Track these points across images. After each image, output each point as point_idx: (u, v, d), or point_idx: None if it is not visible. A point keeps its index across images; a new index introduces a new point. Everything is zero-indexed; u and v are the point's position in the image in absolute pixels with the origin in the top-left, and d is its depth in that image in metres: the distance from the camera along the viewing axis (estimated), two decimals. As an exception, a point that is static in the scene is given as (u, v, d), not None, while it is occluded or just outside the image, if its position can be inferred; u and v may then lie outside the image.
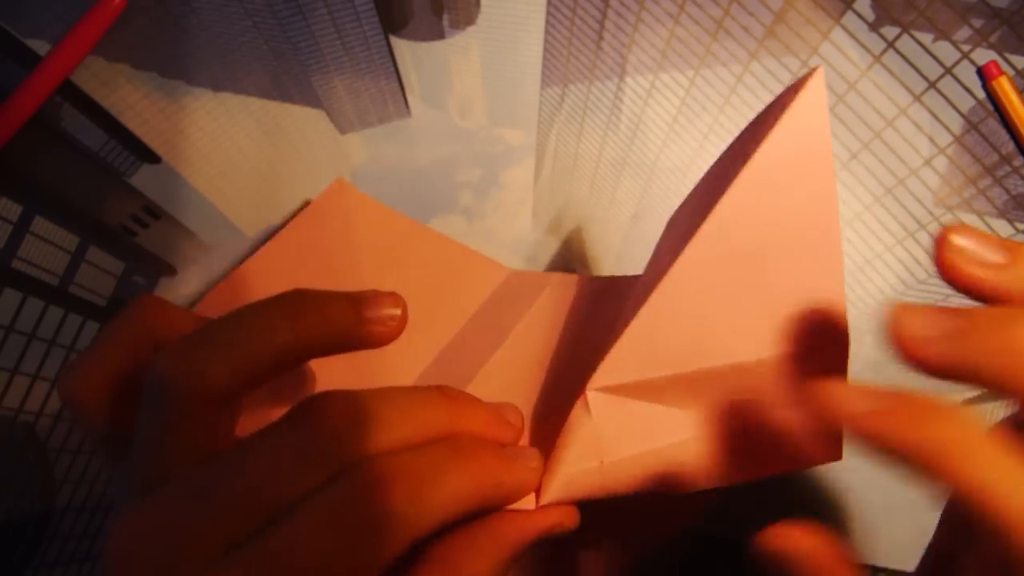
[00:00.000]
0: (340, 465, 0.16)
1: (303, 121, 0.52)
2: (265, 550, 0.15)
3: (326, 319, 0.18)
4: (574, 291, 0.24)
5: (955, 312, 0.15)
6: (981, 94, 0.42)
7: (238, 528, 0.15)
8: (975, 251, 0.15)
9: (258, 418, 0.18)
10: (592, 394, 0.18)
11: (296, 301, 0.18)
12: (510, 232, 0.51)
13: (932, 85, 0.42)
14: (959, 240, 0.15)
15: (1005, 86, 0.41)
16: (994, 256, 0.15)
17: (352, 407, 0.16)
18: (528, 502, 0.18)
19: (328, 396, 0.17)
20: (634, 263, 0.51)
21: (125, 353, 0.18)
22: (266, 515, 0.15)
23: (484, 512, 0.18)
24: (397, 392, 0.18)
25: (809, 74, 0.19)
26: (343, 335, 0.18)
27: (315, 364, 0.20)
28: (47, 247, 0.51)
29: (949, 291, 0.49)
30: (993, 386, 0.14)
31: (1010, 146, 0.42)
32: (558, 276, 0.27)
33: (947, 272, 0.15)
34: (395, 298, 0.19)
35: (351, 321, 0.18)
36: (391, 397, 0.17)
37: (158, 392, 0.16)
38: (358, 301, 0.18)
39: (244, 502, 0.15)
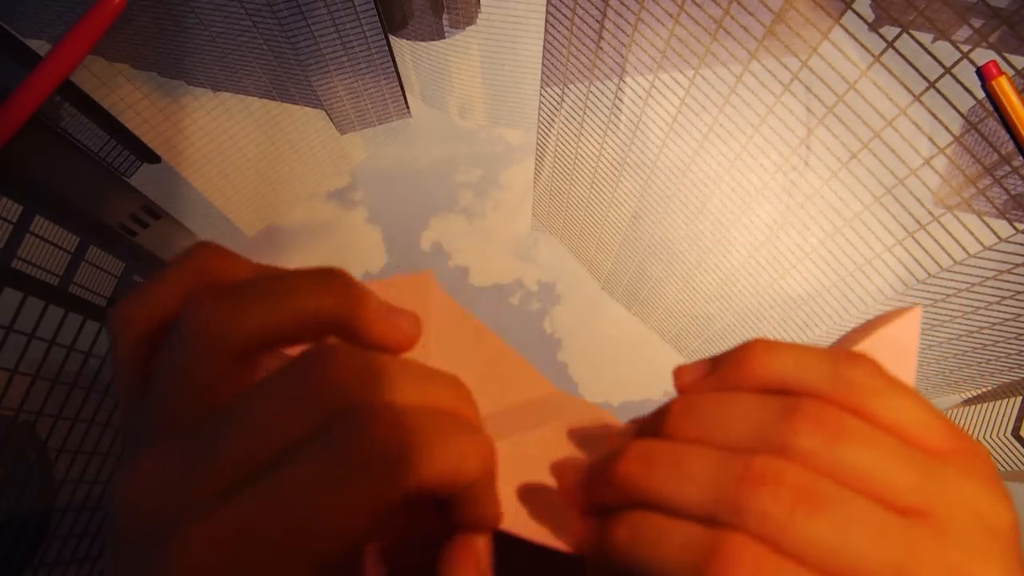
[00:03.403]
0: (340, 410, 0.16)
1: (303, 121, 0.52)
2: (257, 493, 0.15)
3: (358, 303, 0.19)
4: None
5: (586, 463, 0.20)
6: (981, 94, 0.42)
7: (234, 474, 0.15)
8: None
9: None
10: None
11: (339, 276, 0.19)
12: (510, 232, 0.51)
13: (932, 85, 0.42)
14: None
15: (1004, 86, 0.41)
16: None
17: (359, 360, 0.17)
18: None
19: (334, 347, 0.17)
20: (633, 263, 0.51)
21: (175, 295, 0.18)
22: (263, 462, 0.15)
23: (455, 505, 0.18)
24: (411, 362, 0.18)
25: (907, 309, 0.21)
26: (367, 323, 0.19)
27: None
28: (47, 247, 0.51)
29: (949, 291, 0.49)
30: (625, 497, 0.18)
31: (1009, 146, 0.42)
32: (602, 415, 0.28)
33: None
34: (416, 319, 0.20)
35: (379, 316, 0.19)
36: (404, 363, 0.18)
37: (190, 329, 0.17)
38: (387, 304, 0.20)
39: (240, 449, 0.15)
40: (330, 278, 0.18)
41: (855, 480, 0.16)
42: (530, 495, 0.21)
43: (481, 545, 0.19)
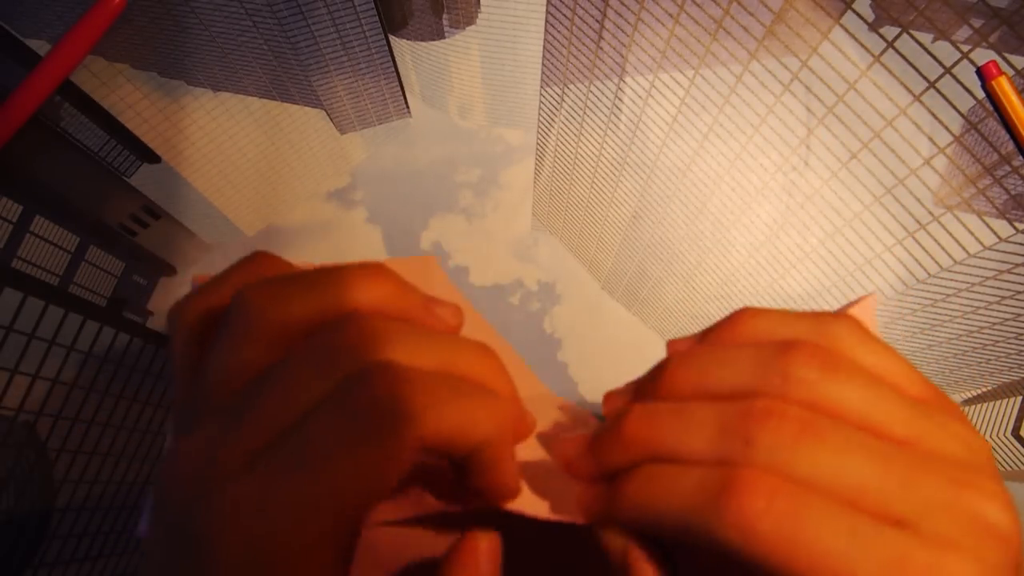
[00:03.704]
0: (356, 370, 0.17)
1: (303, 121, 0.52)
2: (280, 454, 0.16)
3: (401, 297, 0.19)
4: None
5: (590, 437, 0.20)
6: (980, 94, 0.42)
7: (262, 440, 0.16)
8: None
9: None
10: None
11: (383, 271, 0.19)
12: (510, 232, 0.51)
13: (932, 85, 0.42)
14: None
15: (1004, 86, 0.41)
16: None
17: (376, 325, 0.18)
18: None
19: (352, 314, 0.18)
20: (633, 263, 0.51)
21: (229, 290, 0.19)
22: (288, 425, 0.16)
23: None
24: (435, 331, 0.19)
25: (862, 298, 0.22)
26: (409, 316, 0.20)
27: None
28: (47, 247, 0.51)
29: (949, 291, 0.49)
30: (622, 463, 0.19)
31: (1009, 146, 0.42)
32: (588, 418, 0.29)
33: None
34: (457, 309, 0.21)
35: (421, 308, 0.20)
36: (424, 330, 0.19)
37: (239, 310, 0.18)
38: (428, 296, 0.20)
39: (266, 416, 0.16)
40: (374, 272, 0.19)
41: (851, 414, 0.16)
42: (532, 475, 0.21)
43: (484, 546, 0.19)
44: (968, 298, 0.45)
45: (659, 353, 0.21)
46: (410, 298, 0.20)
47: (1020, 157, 0.42)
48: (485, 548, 0.19)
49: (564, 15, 0.46)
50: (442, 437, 0.17)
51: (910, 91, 0.42)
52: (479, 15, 0.48)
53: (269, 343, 0.18)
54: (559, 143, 0.50)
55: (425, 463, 0.20)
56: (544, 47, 0.47)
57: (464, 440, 0.17)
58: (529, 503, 0.20)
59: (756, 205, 0.47)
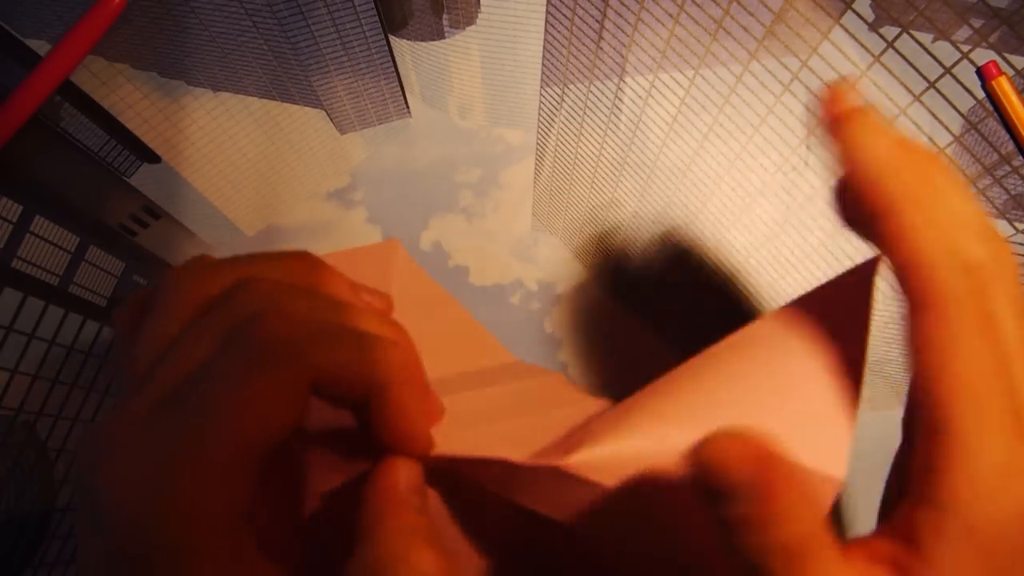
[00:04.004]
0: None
1: (303, 121, 0.52)
2: (172, 404, 0.16)
3: (324, 283, 0.20)
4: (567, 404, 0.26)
5: None
6: (980, 94, 0.42)
7: (157, 399, 0.17)
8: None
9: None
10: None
11: (306, 257, 0.20)
12: (510, 232, 0.51)
13: (932, 85, 0.42)
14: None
15: (1004, 86, 0.41)
16: None
17: (269, 284, 0.18)
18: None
19: (249, 277, 0.18)
20: (633, 263, 0.51)
21: None
22: (182, 380, 0.17)
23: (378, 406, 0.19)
24: (334, 296, 0.19)
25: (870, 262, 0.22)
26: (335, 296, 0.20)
27: None
28: (47, 247, 0.51)
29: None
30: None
31: (1009, 146, 0.42)
32: (559, 378, 0.29)
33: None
34: (386, 297, 0.21)
35: (344, 291, 0.20)
36: (323, 294, 0.19)
37: (163, 288, 0.19)
38: (353, 282, 0.20)
39: (164, 375, 0.17)
40: (296, 256, 0.19)
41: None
42: (461, 419, 0.21)
43: (403, 469, 0.19)
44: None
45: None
46: (335, 283, 0.20)
47: (1020, 157, 0.42)
48: (404, 471, 0.19)
49: (564, 15, 0.46)
50: (331, 371, 0.17)
51: (910, 91, 0.42)
52: (479, 15, 0.48)
53: (189, 317, 0.18)
54: (559, 143, 0.50)
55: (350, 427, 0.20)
56: (544, 47, 0.47)
57: (355, 378, 0.17)
58: (458, 445, 0.20)
59: (756, 205, 0.47)
